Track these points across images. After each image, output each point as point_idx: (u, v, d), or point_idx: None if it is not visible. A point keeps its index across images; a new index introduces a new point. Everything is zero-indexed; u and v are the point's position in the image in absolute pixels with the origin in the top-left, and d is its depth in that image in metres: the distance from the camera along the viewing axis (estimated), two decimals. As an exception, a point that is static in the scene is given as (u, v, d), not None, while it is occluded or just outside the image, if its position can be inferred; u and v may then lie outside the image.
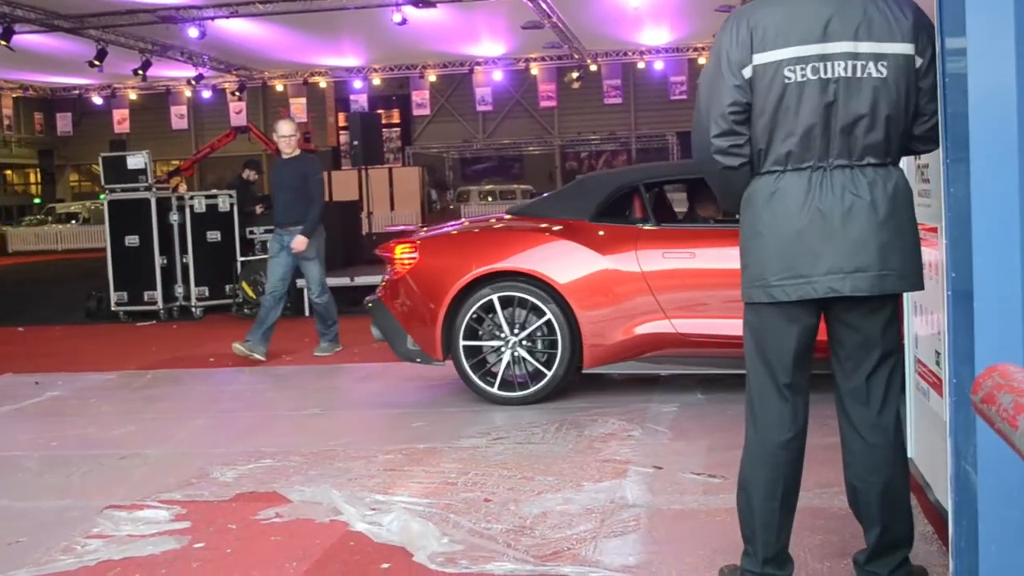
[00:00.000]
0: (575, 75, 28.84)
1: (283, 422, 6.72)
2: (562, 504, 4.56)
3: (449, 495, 4.78)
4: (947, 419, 3.09)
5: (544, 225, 7.01)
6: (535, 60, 28.69)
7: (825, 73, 3.17)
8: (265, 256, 13.37)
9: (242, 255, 13.47)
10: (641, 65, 28.20)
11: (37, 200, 48.27)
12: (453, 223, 8.23)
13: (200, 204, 13.37)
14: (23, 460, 5.98)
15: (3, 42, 22.12)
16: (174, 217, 13.14)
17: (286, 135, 9.34)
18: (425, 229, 7.72)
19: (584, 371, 6.71)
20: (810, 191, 3.21)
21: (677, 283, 6.52)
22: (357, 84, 30.65)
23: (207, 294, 13.39)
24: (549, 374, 6.64)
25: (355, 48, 27.97)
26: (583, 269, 6.65)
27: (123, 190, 13.07)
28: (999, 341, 2.67)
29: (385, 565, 3.96)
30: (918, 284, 3.33)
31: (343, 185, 27.84)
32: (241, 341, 9.21)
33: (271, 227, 13.87)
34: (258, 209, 15.19)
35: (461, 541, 4.16)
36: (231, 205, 13.54)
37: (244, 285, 13.18)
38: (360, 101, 30.53)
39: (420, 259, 7.02)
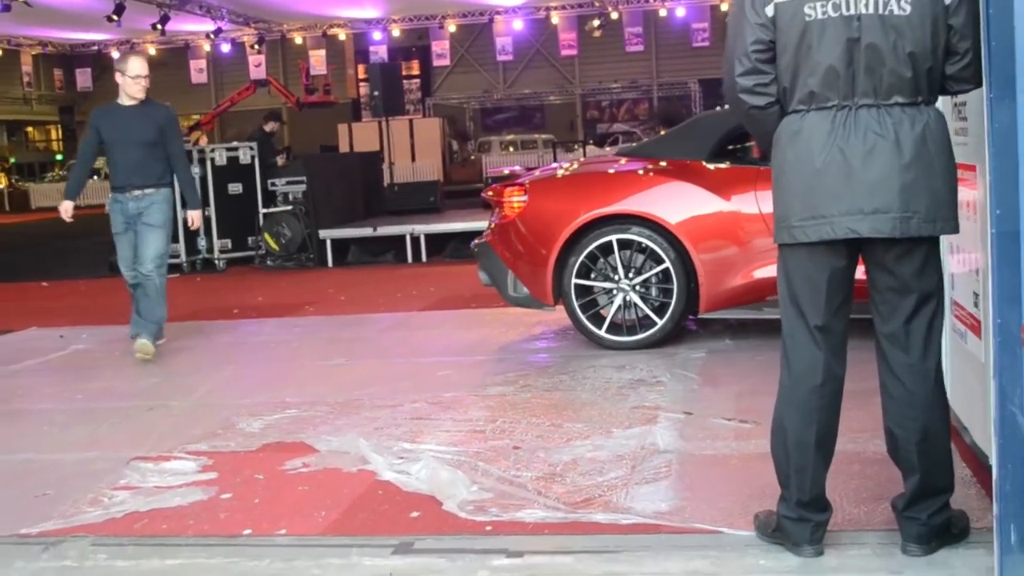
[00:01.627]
0: (596, 23, 28.52)
1: (308, 372, 6.69)
2: (592, 451, 4.51)
3: (477, 443, 4.73)
4: (989, 361, 3.01)
5: (658, 166, 6.83)
6: (555, 8, 28.38)
7: (847, 10, 3.11)
8: (287, 208, 13.39)
9: (264, 207, 13.44)
10: (663, 12, 27.84)
11: (59, 156, 48.36)
12: (559, 164, 8.03)
13: (221, 157, 13.32)
14: (50, 413, 5.96)
15: (21, -3, 22.00)
16: (195, 170, 13.07)
17: (139, 75, 7.26)
18: (538, 171, 7.43)
19: (699, 316, 6.56)
20: (833, 131, 3.15)
21: None
22: (376, 36, 30.39)
23: (230, 247, 13.38)
24: (662, 320, 6.48)
25: (374, -1, 27.71)
26: (699, 211, 6.45)
27: (144, 143, 13.02)
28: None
29: (415, 514, 3.92)
30: (949, 227, 3.23)
31: (364, 137, 27.76)
32: (144, 339, 7.23)
33: (294, 178, 13.88)
34: (280, 160, 15.13)
35: (491, 489, 4.11)
36: (252, 158, 13.50)
37: (267, 237, 13.18)
38: (380, 52, 30.27)
39: (530, 202, 6.82)
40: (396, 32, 30.38)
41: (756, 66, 3.24)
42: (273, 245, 13.13)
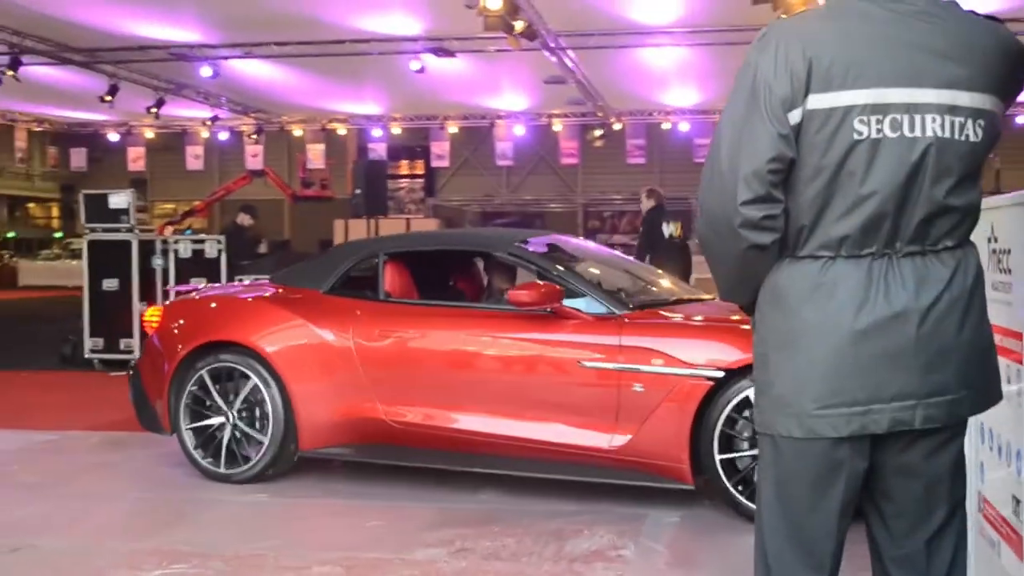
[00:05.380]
0: (598, 133, 28.01)
1: (218, 509, 5.76)
2: (520, 660, 3.58)
3: (382, 634, 3.81)
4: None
5: (277, 294, 6.70)
6: (558, 116, 27.90)
7: (911, 131, 2.26)
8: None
9: (228, 305, 12.58)
10: (666, 126, 27.32)
11: (59, 234, 47.94)
12: (214, 287, 8.30)
13: (186, 249, 12.51)
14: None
15: (11, 72, 21.47)
16: (157, 261, 12.29)
17: None
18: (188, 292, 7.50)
19: (300, 454, 6.23)
20: (872, 286, 2.28)
21: (389, 365, 6.08)
22: (376, 132, 29.91)
23: (187, 345, 12.47)
24: (261, 452, 6.20)
25: (376, 95, 27.21)
26: (298, 343, 6.27)
27: (104, 230, 12.25)
28: None
29: None
30: (998, 395, 2.45)
31: (359, 234, 27.03)
32: None
33: (263, 276, 13.04)
34: (262, 248, 14.37)
35: None
36: (219, 251, 12.67)
37: (227, 337, 12.29)
38: (378, 150, 29.71)
39: (161, 324, 6.79)
40: (397, 130, 29.91)
41: (770, 192, 2.31)
42: (234, 345, 12.24)
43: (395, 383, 6.02)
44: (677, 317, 5.95)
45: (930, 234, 2.30)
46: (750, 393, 5.18)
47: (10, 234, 46.47)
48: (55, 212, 50.48)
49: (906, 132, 2.25)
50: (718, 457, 5.32)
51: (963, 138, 2.27)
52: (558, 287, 5.76)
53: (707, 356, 5.38)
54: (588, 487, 5.86)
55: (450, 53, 20.27)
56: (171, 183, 39.27)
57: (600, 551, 4.86)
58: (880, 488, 2.42)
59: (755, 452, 5.20)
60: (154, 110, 26.06)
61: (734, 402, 5.29)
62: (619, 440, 5.47)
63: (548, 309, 5.71)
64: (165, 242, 12.62)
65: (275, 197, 30.16)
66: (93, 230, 12.36)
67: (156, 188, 40.36)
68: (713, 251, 2.49)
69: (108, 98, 24.14)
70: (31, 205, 50.32)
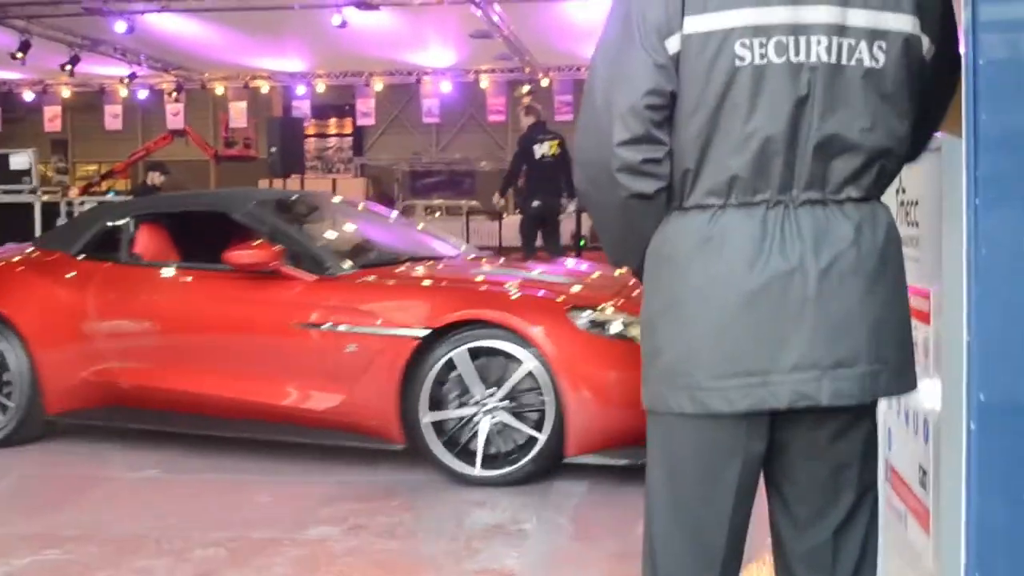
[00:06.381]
0: (525, 90, 27.68)
1: (107, 488, 5.47)
2: (402, 650, 3.36)
3: (259, 624, 3.57)
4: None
5: (31, 257, 6.63)
6: (485, 72, 27.56)
7: (796, 54, 1.99)
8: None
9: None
10: (595, 82, 27.14)
11: (-26, 198, 46.74)
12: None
13: (92, 211, 12.12)
14: None
15: (-87, 29, 20.66)
16: (62, 223, 11.88)
17: None
18: None
19: (46, 418, 6.17)
20: (766, 239, 2.02)
21: (123, 327, 6.09)
22: (300, 90, 29.30)
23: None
24: (8, 417, 6.12)
25: (299, 51, 26.64)
26: (42, 306, 6.22)
27: (5, 192, 11.81)
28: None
29: None
30: (914, 380, 2.19)
31: (284, 195, 26.60)
32: None
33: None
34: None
35: None
36: (127, 213, 12.29)
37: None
38: (303, 108, 29.12)
39: None
40: (321, 88, 29.32)
41: (648, 131, 2.04)
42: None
43: (128, 345, 6.03)
44: (393, 278, 5.89)
45: (829, 179, 2.04)
46: (455, 352, 5.19)
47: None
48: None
49: (791, 57, 2.00)
50: (426, 417, 5.26)
51: (853, 62, 2.02)
52: (277, 248, 5.73)
53: (414, 315, 5.35)
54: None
55: (373, 6, 19.85)
56: (92, 144, 38.17)
57: (501, 525, 4.66)
58: (781, 471, 2.20)
59: (462, 413, 5.23)
60: (68, 67, 25.31)
61: (441, 361, 5.23)
62: (334, 401, 5.47)
63: (269, 270, 5.67)
64: (70, 203, 12.21)
65: (199, 157, 29.58)
66: (-7, 193, 11.94)
67: (77, 149, 39.28)
68: (593, 204, 2.24)
69: (19, 55, 23.38)
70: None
